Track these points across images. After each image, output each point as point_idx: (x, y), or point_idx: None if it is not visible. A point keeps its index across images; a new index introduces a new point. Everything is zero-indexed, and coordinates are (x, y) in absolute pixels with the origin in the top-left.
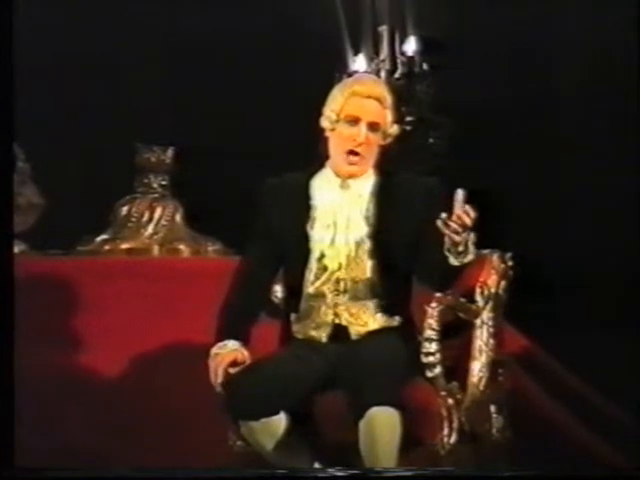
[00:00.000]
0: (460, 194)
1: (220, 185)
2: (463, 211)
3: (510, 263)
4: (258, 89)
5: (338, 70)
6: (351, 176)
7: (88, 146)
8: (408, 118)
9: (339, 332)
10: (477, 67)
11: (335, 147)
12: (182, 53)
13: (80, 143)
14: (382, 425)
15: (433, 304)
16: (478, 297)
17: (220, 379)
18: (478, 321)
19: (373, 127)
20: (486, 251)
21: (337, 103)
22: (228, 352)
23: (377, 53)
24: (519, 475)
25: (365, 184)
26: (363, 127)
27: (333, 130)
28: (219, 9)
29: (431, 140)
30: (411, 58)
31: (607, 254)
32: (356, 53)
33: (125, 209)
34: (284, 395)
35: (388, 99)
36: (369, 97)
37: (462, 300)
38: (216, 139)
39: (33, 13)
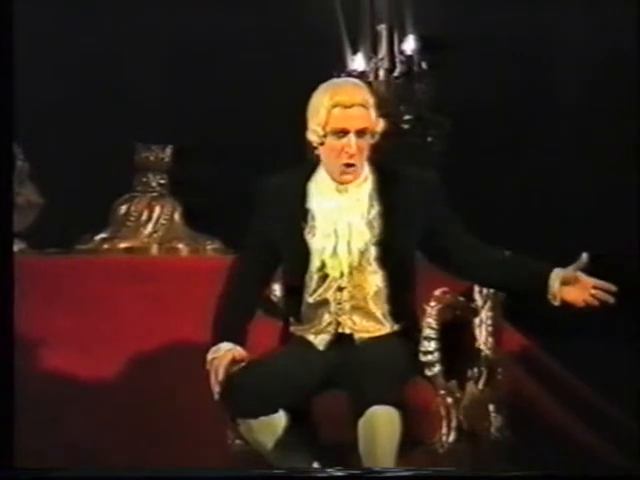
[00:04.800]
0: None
1: (219, 184)
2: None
3: None
4: (256, 88)
5: (337, 69)
6: (347, 183)
7: (87, 145)
8: (406, 117)
9: (340, 339)
10: (476, 66)
11: (327, 160)
12: (181, 52)
13: (78, 142)
14: (382, 424)
15: (432, 303)
16: (477, 296)
17: (221, 377)
18: (477, 320)
19: (361, 133)
20: None
21: (321, 117)
22: (224, 353)
23: (376, 52)
24: (518, 474)
25: (362, 187)
26: (352, 137)
27: (322, 144)
28: (218, 8)
29: (429, 139)
30: (410, 57)
31: (606, 252)
32: (355, 52)
33: (124, 208)
34: (283, 393)
35: (371, 100)
36: (352, 105)
37: (461, 299)
38: (215, 138)
39: (33, 13)
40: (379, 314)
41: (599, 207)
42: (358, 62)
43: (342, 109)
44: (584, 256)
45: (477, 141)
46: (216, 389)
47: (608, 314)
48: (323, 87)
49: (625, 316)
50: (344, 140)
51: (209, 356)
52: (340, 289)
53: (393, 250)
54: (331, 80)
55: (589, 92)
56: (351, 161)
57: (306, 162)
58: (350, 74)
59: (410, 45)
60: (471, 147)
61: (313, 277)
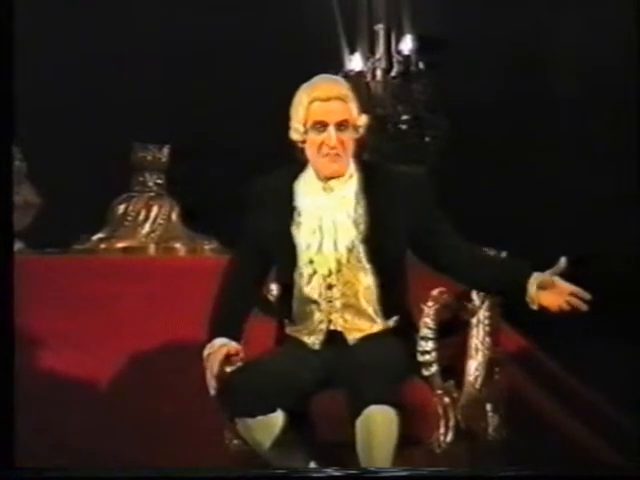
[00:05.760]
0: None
1: (216, 184)
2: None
3: None
4: (254, 88)
5: (334, 69)
6: (333, 176)
7: (84, 145)
8: (404, 117)
9: (334, 337)
10: (473, 66)
11: (311, 155)
12: (179, 52)
13: (76, 142)
14: (379, 423)
15: (429, 303)
16: (474, 296)
17: (215, 371)
18: (474, 320)
19: (342, 126)
20: None
21: (300, 114)
22: (218, 348)
23: (373, 52)
24: (515, 474)
25: (348, 184)
26: (332, 130)
27: (304, 142)
28: (216, 8)
29: (427, 139)
30: (407, 57)
31: (606, 253)
32: (352, 52)
33: (121, 208)
34: (281, 393)
35: (349, 94)
36: (329, 99)
37: (458, 299)
38: (212, 138)
39: (33, 13)
40: (371, 311)
41: (598, 207)
42: (355, 62)
43: (320, 103)
44: (562, 260)
45: (475, 141)
46: (212, 383)
47: (607, 314)
48: (302, 87)
49: (624, 316)
50: (324, 134)
51: (205, 352)
52: (330, 287)
53: (382, 247)
54: (311, 79)
55: (589, 92)
56: (333, 152)
57: (294, 163)
58: (347, 74)
59: (407, 45)
60: (469, 147)
61: (303, 274)
